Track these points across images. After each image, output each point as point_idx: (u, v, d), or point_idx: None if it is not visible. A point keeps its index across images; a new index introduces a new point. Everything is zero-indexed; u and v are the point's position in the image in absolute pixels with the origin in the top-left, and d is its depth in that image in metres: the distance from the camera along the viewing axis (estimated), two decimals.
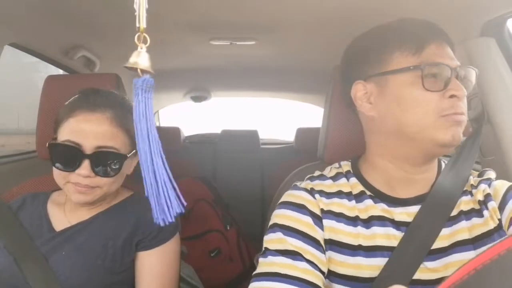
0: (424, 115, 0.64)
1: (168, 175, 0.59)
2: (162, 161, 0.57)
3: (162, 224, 0.62)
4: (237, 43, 1.51)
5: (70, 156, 0.80)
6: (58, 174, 0.84)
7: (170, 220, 0.61)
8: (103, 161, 0.81)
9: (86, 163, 0.80)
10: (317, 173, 0.79)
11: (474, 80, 0.70)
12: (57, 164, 0.82)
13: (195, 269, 1.60)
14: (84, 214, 0.89)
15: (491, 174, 0.72)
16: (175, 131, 2.56)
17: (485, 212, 0.65)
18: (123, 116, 0.85)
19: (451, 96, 0.64)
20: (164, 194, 0.60)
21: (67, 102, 0.87)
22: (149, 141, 0.56)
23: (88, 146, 0.80)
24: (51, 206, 0.92)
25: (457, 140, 0.64)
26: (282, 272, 0.61)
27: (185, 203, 0.61)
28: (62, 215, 0.90)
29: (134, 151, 0.87)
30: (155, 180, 0.58)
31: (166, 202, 0.60)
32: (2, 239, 0.84)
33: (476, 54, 1.04)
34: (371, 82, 0.71)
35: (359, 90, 0.72)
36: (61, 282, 0.80)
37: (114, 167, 0.82)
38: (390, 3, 1.01)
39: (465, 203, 0.68)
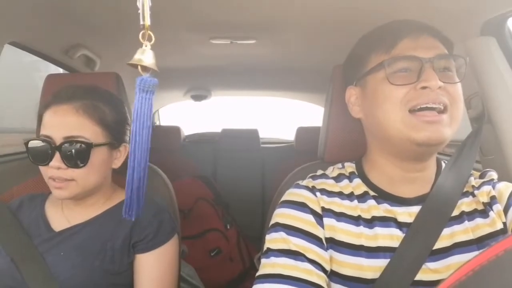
0: (392, 109, 0.64)
1: (144, 183, 0.58)
2: (145, 165, 0.57)
3: (129, 218, 0.62)
4: (238, 42, 1.50)
5: (43, 150, 0.81)
6: (42, 172, 0.84)
7: (131, 219, 0.61)
8: (71, 151, 0.81)
9: (57, 155, 0.80)
10: (319, 172, 0.79)
11: (464, 69, 0.68)
12: (34, 159, 0.83)
13: (195, 269, 1.60)
14: (83, 215, 0.89)
15: (494, 175, 0.72)
16: (175, 130, 2.55)
17: (491, 213, 0.65)
18: (93, 106, 0.85)
19: (423, 88, 0.63)
20: (138, 196, 0.60)
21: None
22: (139, 142, 0.56)
23: (57, 137, 0.81)
24: (49, 206, 0.92)
25: (434, 140, 0.62)
26: (285, 273, 0.61)
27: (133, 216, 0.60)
28: (61, 216, 0.89)
29: (111, 142, 0.87)
30: (137, 181, 0.58)
31: (137, 203, 0.60)
32: (0, 239, 0.84)
33: (476, 53, 1.04)
34: (358, 86, 0.74)
35: (351, 95, 0.76)
36: (59, 282, 0.80)
37: (82, 157, 0.81)
38: (390, 3, 1.01)
39: (466, 204, 0.68)
